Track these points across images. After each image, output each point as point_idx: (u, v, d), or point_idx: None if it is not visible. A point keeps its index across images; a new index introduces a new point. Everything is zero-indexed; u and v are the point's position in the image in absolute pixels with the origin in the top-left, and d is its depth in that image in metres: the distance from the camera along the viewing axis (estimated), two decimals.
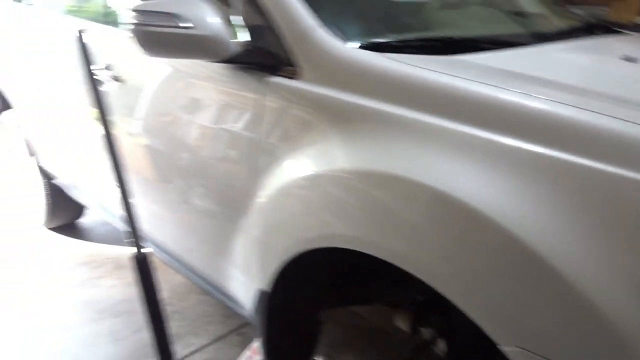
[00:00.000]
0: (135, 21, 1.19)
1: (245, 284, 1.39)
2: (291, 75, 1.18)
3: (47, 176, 2.70)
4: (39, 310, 2.28)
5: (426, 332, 1.45)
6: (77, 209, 2.99)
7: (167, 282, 2.50)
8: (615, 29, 1.76)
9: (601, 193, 0.75)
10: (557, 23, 1.71)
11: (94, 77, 1.08)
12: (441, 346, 1.40)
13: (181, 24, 1.14)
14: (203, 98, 1.41)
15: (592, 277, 0.72)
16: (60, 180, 2.56)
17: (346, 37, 1.17)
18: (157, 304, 1.39)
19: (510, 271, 0.79)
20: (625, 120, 0.80)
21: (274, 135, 1.22)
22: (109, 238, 2.98)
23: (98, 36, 1.88)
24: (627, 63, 1.21)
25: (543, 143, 0.81)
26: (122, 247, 2.87)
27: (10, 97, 2.65)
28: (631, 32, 1.83)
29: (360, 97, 1.06)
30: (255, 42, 1.23)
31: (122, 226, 2.10)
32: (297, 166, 1.15)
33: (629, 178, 0.73)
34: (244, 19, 1.24)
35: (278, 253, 1.20)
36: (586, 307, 0.72)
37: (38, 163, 2.68)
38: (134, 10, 1.18)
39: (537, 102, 0.88)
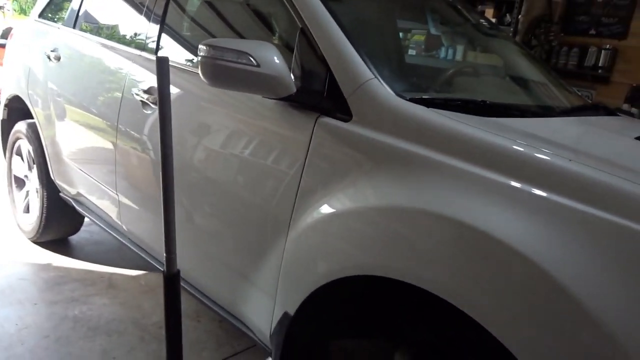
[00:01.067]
0: (205, 54, 1.30)
1: (267, 307, 1.45)
2: (343, 119, 1.30)
3: (50, 189, 2.71)
4: (29, 323, 2.25)
5: None
6: (73, 225, 2.99)
7: (159, 306, 2.50)
8: (615, 111, 1.95)
9: (626, 244, 0.87)
10: (569, 101, 1.89)
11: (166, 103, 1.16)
12: None
13: (250, 62, 1.25)
14: (250, 131, 1.50)
15: (624, 322, 0.83)
16: (70, 194, 2.58)
17: (397, 89, 1.30)
18: (179, 327, 1.42)
19: (540, 303, 0.89)
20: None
21: (316, 172, 1.31)
22: (101, 257, 2.98)
23: (138, 61, 1.98)
24: (636, 140, 1.38)
25: (573, 198, 0.94)
26: (115, 267, 2.87)
27: (34, 108, 2.70)
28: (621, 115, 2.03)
29: (404, 142, 1.17)
30: (310, 84, 1.34)
31: (132, 244, 2.14)
32: (335, 202, 1.25)
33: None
34: (303, 62, 1.36)
35: (307, 280, 1.28)
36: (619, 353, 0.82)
37: (47, 176, 2.70)
38: (207, 44, 1.29)
39: (560, 160, 1.02)
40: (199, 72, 1.33)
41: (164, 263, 1.38)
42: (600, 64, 4.71)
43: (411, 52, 3.57)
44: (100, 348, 2.14)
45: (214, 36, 1.95)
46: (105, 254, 3.03)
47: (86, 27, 2.50)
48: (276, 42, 1.69)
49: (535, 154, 1.04)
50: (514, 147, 1.06)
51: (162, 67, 1.17)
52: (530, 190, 0.98)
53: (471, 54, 3.53)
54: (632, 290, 0.83)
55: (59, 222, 2.88)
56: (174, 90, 1.77)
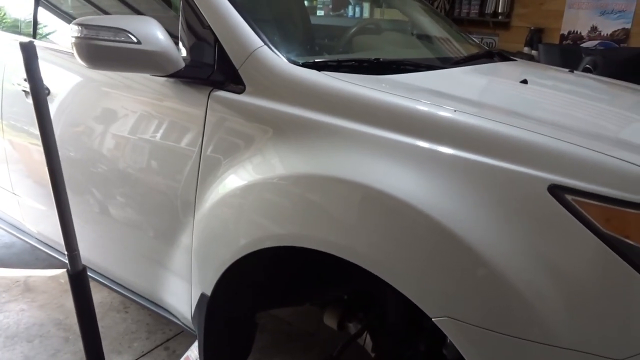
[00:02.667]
0: (78, 34, 1.20)
1: (184, 290, 1.42)
2: (236, 90, 1.25)
3: None
4: None
5: (352, 327, 1.58)
6: None
7: None
8: (509, 56, 2.03)
9: (496, 183, 0.92)
10: (464, 49, 1.94)
11: (40, 88, 1.07)
12: (366, 339, 1.53)
13: (130, 40, 1.17)
14: (145, 111, 1.43)
15: (500, 252, 0.88)
16: None
17: (289, 55, 1.27)
18: (94, 322, 1.37)
19: (435, 251, 0.93)
20: (520, 128, 0.98)
21: (215, 148, 1.27)
22: (14, 261, 2.79)
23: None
24: (521, 84, 1.44)
25: (453, 145, 0.97)
26: (29, 269, 2.70)
27: None
28: (518, 59, 2.13)
29: (301, 109, 1.15)
30: (199, 57, 1.28)
31: (41, 244, 2.02)
32: (237, 177, 1.22)
33: (514, 170, 0.91)
34: (190, 35, 1.30)
35: (220, 258, 1.26)
36: (496, 276, 0.88)
37: None
38: (79, 24, 1.19)
39: (446, 112, 1.04)
40: (75, 54, 1.23)
41: (67, 262, 1.31)
42: (500, 10, 4.88)
43: (319, 12, 3.53)
44: (21, 356, 2.03)
45: (99, 12, 1.82)
46: (18, 256, 2.85)
47: None
48: (164, 16, 1.60)
49: (419, 107, 1.06)
50: (401, 102, 1.07)
51: (29, 53, 1.07)
52: (420, 145, 1.00)
53: (376, 12, 3.55)
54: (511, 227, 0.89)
55: None
56: (68, 76, 1.64)
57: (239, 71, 1.25)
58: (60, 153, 1.22)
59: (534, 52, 4.52)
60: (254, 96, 1.23)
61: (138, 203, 1.49)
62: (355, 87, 1.14)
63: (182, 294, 1.44)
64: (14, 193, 1.98)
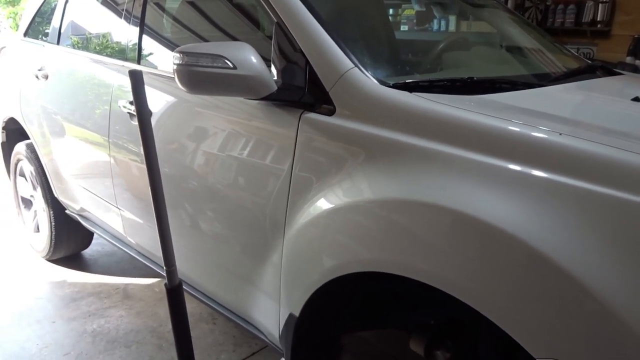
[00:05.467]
0: (179, 61, 1.27)
1: (272, 309, 1.44)
2: (327, 112, 1.26)
3: (56, 207, 2.73)
4: (49, 342, 2.28)
5: (440, 356, 1.51)
6: (84, 240, 3.01)
7: None
8: (614, 70, 1.89)
9: (608, 214, 0.84)
10: (562, 63, 1.83)
11: (146, 114, 1.14)
12: None
13: (226, 65, 1.22)
14: (243, 133, 1.48)
15: (616, 292, 0.80)
16: (75, 210, 2.58)
17: (378, 76, 1.26)
18: (188, 335, 1.42)
19: (539, 285, 0.86)
20: (630, 152, 0.89)
21: (306, 169, 1.29)
22: (114, 269, 3.00)
23: (122, 71, 1.96)
24: (634, 103, 1.32)
25: (561, 172, 0.90)
26: (128, 277, 2.88)
27: (29, 128, 2.70)
28: (625, 72, 1.97)
29: (392, 132, 1.14)
30: (291, 80, 1.31)
31: (140, 255, 2.14)
32: (326, 200, 1.23)
33: (622, 198, 0.83)
34: (281, 58, 1.33)
35: (308, 280, 1.26)
36: (610, 318, 0.80)
37: (51, 194, 2.71)
38: (180, 52, 1.26)
39: (554, 136, 0.97)
40: (176, 80, 1.30)
41: (165, 276, 1.37)
42: (598, 19, 4.58)
43: (403, 27, 3.50)
44: None
45: (196, 37, 1.92)
46: (118, 264, 3.05)
47: (70, 41, 2.48)
48: (258, 39, 1.66)
49: (521, 131, 1.00)
50: (501, 125, 1.02)
51: (136, 80, 1.14)
52: (522, 171, 0.95)
53: (463, 25, 3.44)
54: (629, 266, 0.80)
55: (69, 239, 2.90)
56: (164, 98, 1.75)
57: (330, 93, 1.26)
58: None
59: (638, 62, 4.18)
60: (345, 118, 1.23)
61: (229, 220, 1.54)
62: (449, 109, 1.10)
63: (270, 312, 1.46)
64: (117, 206, 2.12)
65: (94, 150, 2.16)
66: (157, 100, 1.75)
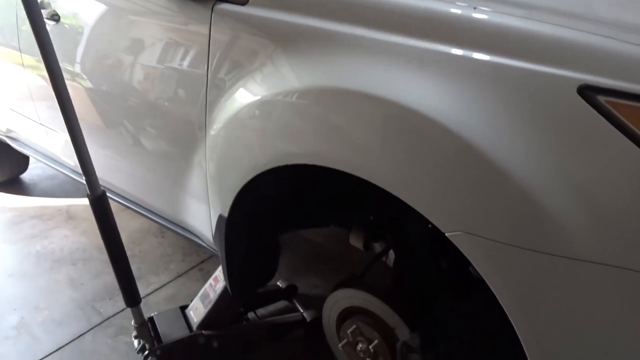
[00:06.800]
0: None
1: (204, 213, 1.42)
2: (239, 2, 1.17)
3: None
4: None
5: (377, 247, 1.56)
6: (20, 164, 2.89)
7: (123, 230, 2.46)
8: None
9: (518, 87, 0.82)
10: None
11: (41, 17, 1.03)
12: (391, 257, 1.52)
13: None
14: (161, 35, 1.38)
15: (521, 161, 0.81)
16: (2, 132, 2.44)
17: None
18: (119, 243, 1.39)
19: (450, 163, 0.87)
20: (543, 23, 0.85)
21: (222, 65, 1.21)
22: (57, 191, 2.91)
23: None
24: None
25: (482, 50, 0.87)
26: (71, 198, 2.81)
27: None
28: None
29: (309, 17, 1.06)
30: None
31: (74, 173, 2.06)
32: (243, 94, 1.17)
33: (539, 72, 0.81)
34: None
35: (233, 179, 1.23)
36: (516, 187, 0.81)
37: None
38: None
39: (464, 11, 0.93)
40: None
41: (86, 186, 1.32)
42: None
43: None
44: (66, 277, 2.15)
45: None
46: (60, 187, 2.96)
47: None
48: None
49: (434, 7, 0.95)
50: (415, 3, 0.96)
51: None
52: (433, 49, 0.90)
53: None
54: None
55: (2, 163, 2.77)
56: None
57: None
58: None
59: None
60: (259, 7, 1.14)
61: (158, 129, 1.47)
62: None
63: (202, 216, 1.44)
64: (41, 124, 2.00)
65: (7, 64, 1.99)
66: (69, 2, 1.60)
